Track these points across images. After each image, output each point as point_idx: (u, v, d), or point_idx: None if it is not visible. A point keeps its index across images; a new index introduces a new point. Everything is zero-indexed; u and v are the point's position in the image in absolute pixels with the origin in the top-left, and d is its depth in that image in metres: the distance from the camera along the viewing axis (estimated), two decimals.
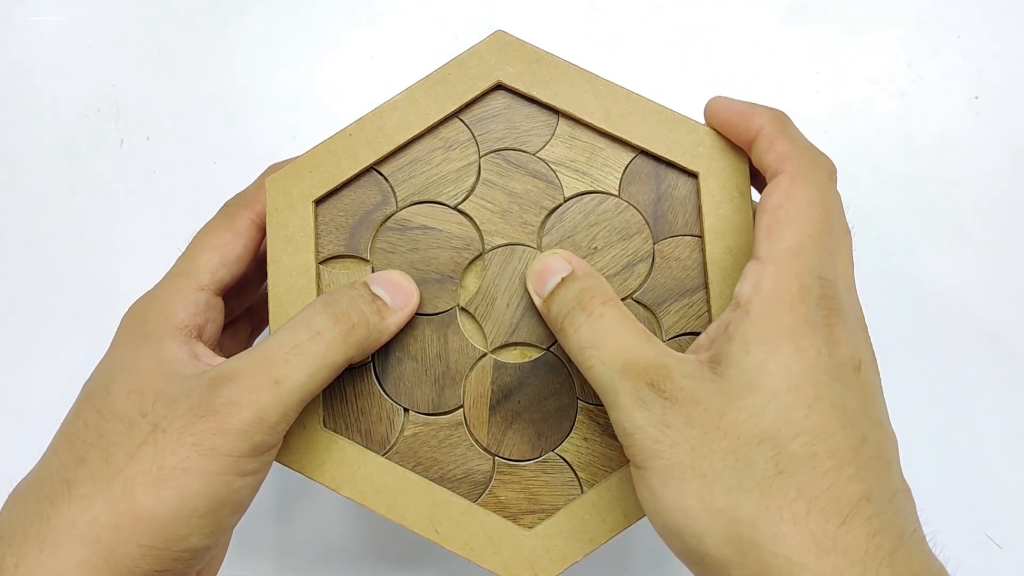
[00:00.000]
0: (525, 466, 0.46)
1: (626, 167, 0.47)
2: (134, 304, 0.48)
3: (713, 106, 0.46)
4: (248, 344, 0.55)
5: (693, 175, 0.46)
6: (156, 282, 0.49)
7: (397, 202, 0.47)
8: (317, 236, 0.47)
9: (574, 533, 0.45)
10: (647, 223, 0.47)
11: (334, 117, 0.69)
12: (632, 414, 0.39)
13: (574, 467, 0.46)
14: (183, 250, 0.49)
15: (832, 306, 0.39)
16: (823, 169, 0.42)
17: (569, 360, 0.46)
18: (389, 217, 0.47)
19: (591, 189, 0.47)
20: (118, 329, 0.47)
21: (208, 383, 0.41)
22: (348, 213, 0.47)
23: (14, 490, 0.43)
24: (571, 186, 0.47)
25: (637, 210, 0.47)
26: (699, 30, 0.70)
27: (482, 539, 0.45)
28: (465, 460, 0.46)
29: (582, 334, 0.41)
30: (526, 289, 0.46)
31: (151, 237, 0.68)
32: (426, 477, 0.46)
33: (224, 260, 0.48)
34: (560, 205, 0.47)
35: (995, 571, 0.62)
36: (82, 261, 0.67)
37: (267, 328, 0.56)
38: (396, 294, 0.46)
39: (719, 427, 0.37)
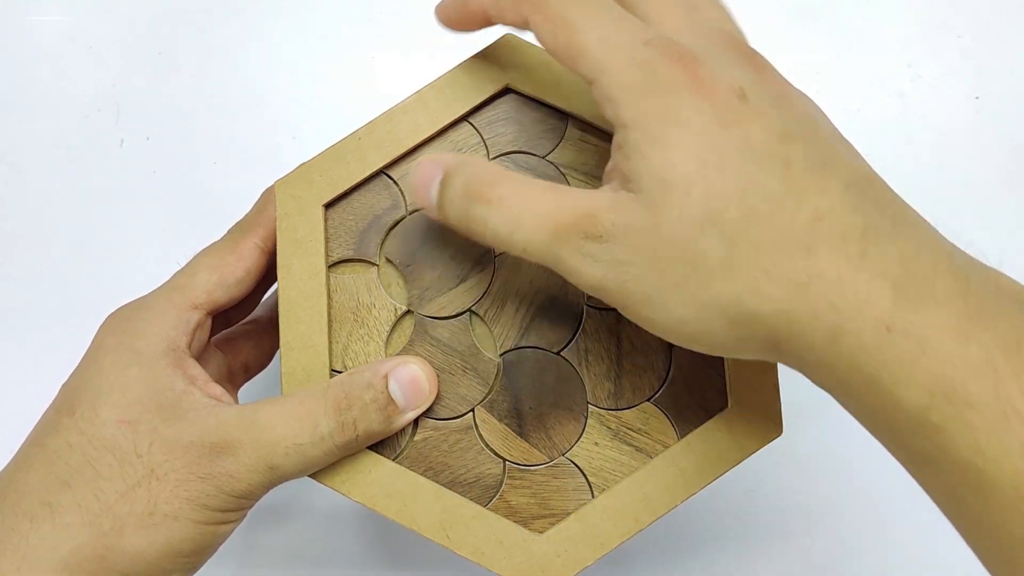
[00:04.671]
0: (536, 470, 0.46)
1: None
2: (121, 310, 0.48)
3: (439, 14, 0.46)
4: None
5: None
6: (147, 285, 0.49)
7: (407, 206, 0.47)
8: (327, 240, 0.47)
9: (585, 538, 0.45)
10: None
11: (334, 117, 0.69)
12: (590, 271, 0.38)
13: (585, 471, 0.46)
14: (182, 265, 0.49)
15: (678, 53, 0.37)
16: None
17: (580, 364, 0.46)
18: (399, 221, 0.47)
19: None
20: (103, 334, 0.47)
21: (209, 448, 0.42)
22: (358, 217, 0.47)
23: None
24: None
25: None
26: None
27: (493, 544, 0.45)
28: (476, 464, 0.46)
29: (496, 225, 0.39)
30: (537, 294, 0.46)
31: (151, 237, 0.68)
32: (436, 482, 0.46)
33: (223, 281, 0.47)
34: None
35: None
36: (82, 261, 0.67)
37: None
38: (411, 397, 0.45)
39: (662, 236, 0.36)
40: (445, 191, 0.41)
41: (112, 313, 0.48)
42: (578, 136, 0.47)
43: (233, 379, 0.54)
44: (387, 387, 0.45)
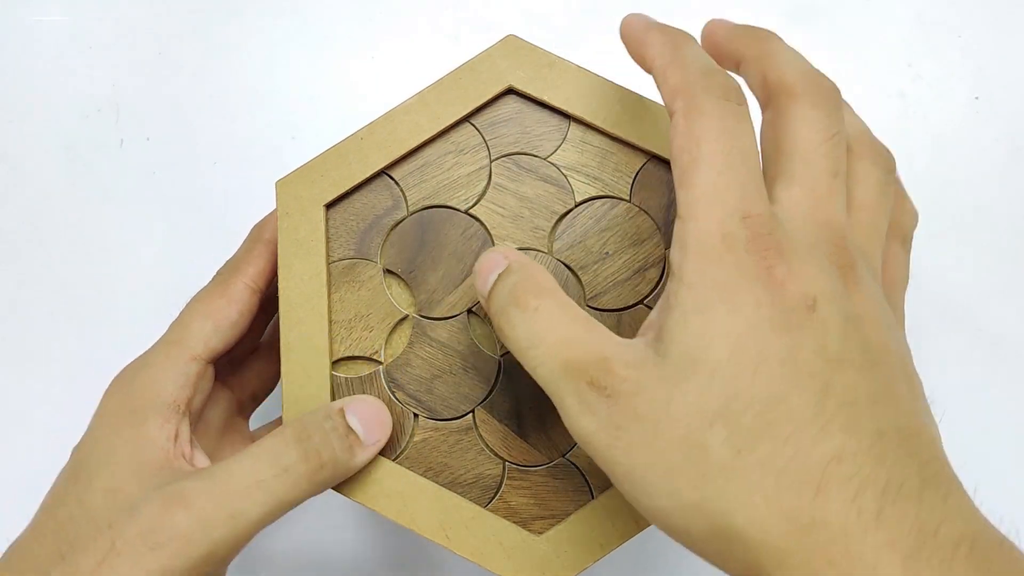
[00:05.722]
0: (536, 471, 0.46)
1: (637, 172, 0.47)
2: (124, 370, 0.48)
3: (622, 31, 0.43)
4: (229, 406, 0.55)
5: None
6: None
7: (408, 206, 0.47)
8: (328, 240, 0.47)
9: (585, 539, 0.45)
10: (658, 228, 0.47)
11: (334, 117, 0.69)
12: (580, 421, 0.36)
13: (584, 472, 0.46)
14: (176, 317, 0.49)
15: (767, 244, 0.34)
16: (716, 92, 0.37)
17: None
18: (400, 222, 0.47)
19: (602, 194, 0.47)
20: (106, 395, 0.47)
21: (162, 502, 0.41)
22: (359, 217, 0.47)
23: (12, 549, 0.44)
24: (582, 191, 0.47)
25: (648, 215, 0.47)
26: (699, 30, 0.70)
27: (492, 544, 0.45)
28: (475, 465, 0.46)
29: (519, 332, 0.38)
30: None
31: (151, 237, 0.67)
32: (436, 482, 0.46)
33: (218, 327, 0.48)
34: (571, 210, 0.47)
35: None
36: (82, 261, 0.67)
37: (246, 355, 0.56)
38: (371, 428, 0.45)
39: (670, 414, 0.34)
40: (499, 283, 0.40)
41: (117, 375, 0.48)
42: (580, 137, 0.47)
43: (243, 410, 0.55)
44: (344, 418, 0.44)
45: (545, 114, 0.47)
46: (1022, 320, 0.66)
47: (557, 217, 0.47)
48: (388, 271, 0.47)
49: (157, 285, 0.66)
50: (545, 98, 0.47)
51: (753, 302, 0.34)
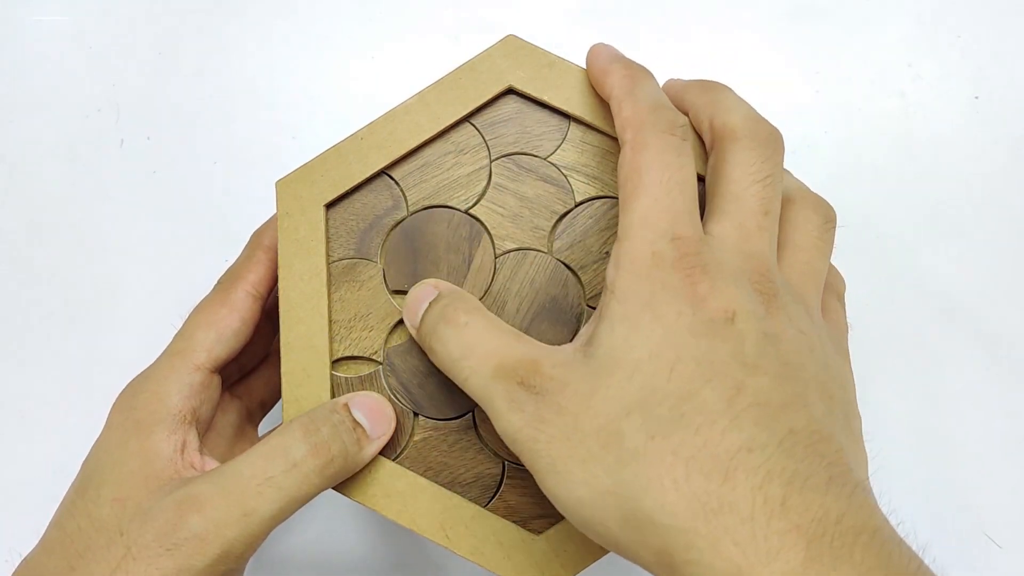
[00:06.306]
0: None
1: None
2: (130, 383, 0.48)
3: (588, 59, 0.46)
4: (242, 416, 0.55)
5: (703, 179, 0.46)
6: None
7: (408, 206, 0.47)
8: (328, 240, 0.47)
9: (584, 538, 0.45)
10: None
11: (334, 117, 0.69)
12: (509, 419, 0.38)
13: None
14: (179, 328, 0.49)
15: (693, 263, 0.37)
16: (661, 126, 0.40)
17: None
18: (400, 222, 0.47)
19: (602, 194, 0.47)
20: (113, 411, 0.47)
21: (175, 506, 0.42)
22: (359, 217, 0.47)
23: (23, 565, 0.44)
24: (582, 191, 0.47)
25: None
26: (699, 30, 0.70)
27: (492, 544, 0.45)
28: (475, 464, 0.46)
29: (450, 347, 0.41)
30: (537, 294, 0.46)
31: (151, 237, 0.67)
32: (436, 482, 0.46)
33: (221, 336, 0.48)
34: (571, 210, 0.47)
35: (995, 571, 0.63)
36: (82, 261, 0.67)
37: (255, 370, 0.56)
38: (376, 422, 0.45)
39: (589, 407, 0.36)
40: (429, 310, 0.43)
41: (123, 389, 0.48)
42: (580, 137, 0.47)
43: (252, 419, 0.55)
44: (350, 412, 0.45)
45: (545, 114, 0.47)
46: (1022, 320, 0.66)
47: (557, 217, 0.47)
48: (393, 292, 0.47)
49: (157, 284, 0.66)
50: (545, 98, 0.47)
51: (675, 312, 0.37)
